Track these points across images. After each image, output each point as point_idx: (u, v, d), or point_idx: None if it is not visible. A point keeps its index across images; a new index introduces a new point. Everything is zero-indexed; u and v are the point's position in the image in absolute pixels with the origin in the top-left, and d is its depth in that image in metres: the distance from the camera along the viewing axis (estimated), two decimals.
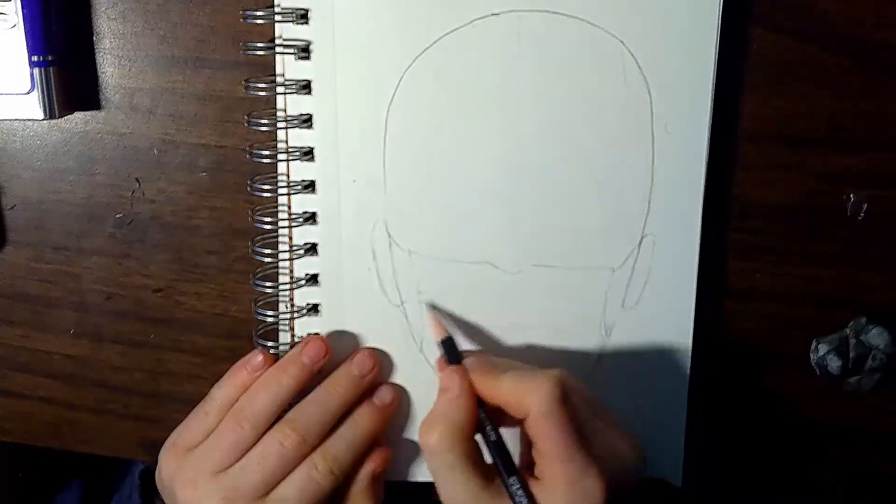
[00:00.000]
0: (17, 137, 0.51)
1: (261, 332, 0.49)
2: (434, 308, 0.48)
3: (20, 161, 0.51)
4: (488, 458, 0.44)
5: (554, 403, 0.41)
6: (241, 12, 0.46)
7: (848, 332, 0.49)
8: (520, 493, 0.41)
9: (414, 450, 0.50)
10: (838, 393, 0.50)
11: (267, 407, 0.46)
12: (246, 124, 0.48)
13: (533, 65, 0.46)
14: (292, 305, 0.49)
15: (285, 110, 0.47)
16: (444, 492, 0.43)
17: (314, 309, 0.49)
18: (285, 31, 0.46)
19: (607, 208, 0.47)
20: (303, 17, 0.45)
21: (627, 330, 0.48)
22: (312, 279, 0.49)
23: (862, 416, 0.51)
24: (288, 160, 0.47)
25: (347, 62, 0.46)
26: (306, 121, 0.47)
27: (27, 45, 0.47)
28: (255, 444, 0.46)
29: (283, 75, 0.46)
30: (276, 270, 0.49)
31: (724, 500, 0.53)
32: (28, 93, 0.47)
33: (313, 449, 0.46)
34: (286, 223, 0.48)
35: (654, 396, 0.49)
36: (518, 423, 0.43)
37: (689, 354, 0.49)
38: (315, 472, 0.45)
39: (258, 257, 0.48)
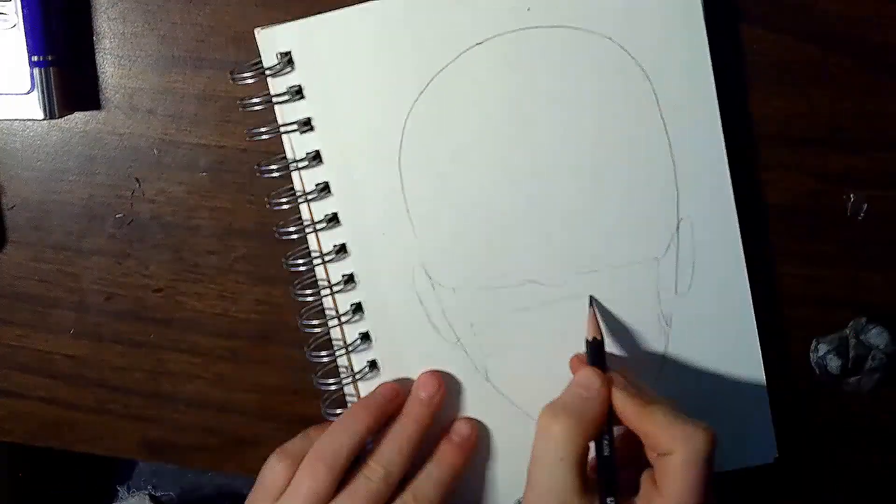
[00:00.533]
0: (17, 137, 0.51)
1: (327, 402, 0.50)
2: (595, 303, 0.48)
3: (20, 161, 0.51)
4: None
5: (702, 456, 0.41)
6: (238, 102, 0.47)
7: (848, 332, 0.49)
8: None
9: (490, 479, 0.50)
10: (838, 393, 0.50)
11: (344, 446, 0.46)
12: (267, 206, 0.48)
13: (528, 81, 0.46)
14: (352, 369, 0.49)
15: (303, 186, 0.47)
16: (539, 478, 0.43)
17: (373, 366, 0.49)
18: (284, 110, 0.46)
19: (637, 201, 0.47)
20: (298, 93, 0.46)
21: (687, 316, 0.48)
22: (365, 338, 0.49)
23: (862, 416, 0.51)
24: (316, 231, 0.48)
25: (350, 125, 0.46)
26: (324, 188, 0.47)
27: (27, 45, 0.47)
28: (334, 487, 0.45)
29: (294, 155, 0.47)
30: (328, 338, 0.49)
31: (723, 500, 0.53)
32: (28, 93, 0.47)
33: (396, 486, 0.46)
34: (328, 292, 0.48)
35: (730, 375, 0.49)
36: (638, 449, 0.44)
37: (755, 326, 0.48)
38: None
39: (308, 330, 0.49)
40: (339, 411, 0.49)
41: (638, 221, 0.47)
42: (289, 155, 0.47)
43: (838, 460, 0.52)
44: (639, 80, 0.46)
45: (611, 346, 0.48)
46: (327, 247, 0.48)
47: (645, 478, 0.44)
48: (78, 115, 0.50)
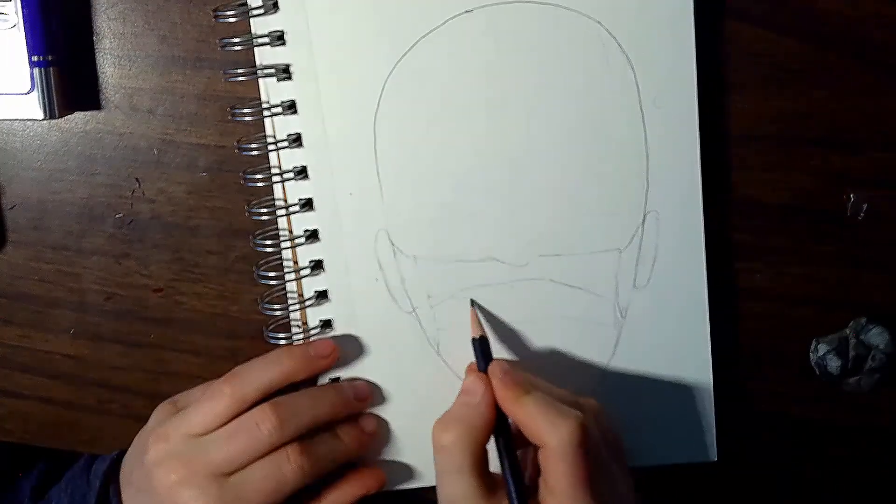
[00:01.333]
0: (17, 137, 0.51)
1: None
2: (475, 305, 0.48)
3: (20, 161, 0.51)
4: (493, 465, 0.44)
5: (571, 447, 0.40)
6: (218, 41, 0.46)
7: (848, 332, 0.49)
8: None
9: (428, 452, 0.50)
10: (838, 393, 0.50)
11: (257, 380, 0.46)
12: (236, 150, 0.48)
13: (513, 56, 0.46)
14: (304, 325, 0.49)
15: (274, 133, 0.47)
16: (444, 491, 0.43)
17: (327, 325, 0.49)
18: (264, 54, 0.46)
19: (606, 189, 0.47)
20: (279, 39, 0.46)
21: (643, 309, 0.48)
22: (322, 296, 0.49)
23: (862, 416, 0.51)
24: (283, 181, 0.47)
25: (329, 78, 0.46)
26: (296, 140, 0.47)
27: (27, 45, 0.47)
28: (232, 416, 0.45)
29: (269, 99, 0.46)
30: (283, 292, 0.49)
31: (723, 500, 0.53)
32: (28, 93, 0.47)
33: (286, 442, 0.45)
34: (288, 244, 0.48)
35: (678, 372, 0.49)
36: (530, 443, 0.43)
37: (708, 326, 0.48)
38: (287, 462, 0.45)
39: (264, 280, 0.48)
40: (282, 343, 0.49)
41: (605, 210, 0.47)
42: (263, 100, 0.47)
43: (838, 460, 0.52)
44: (623, 69, 0.46)
45: (563, 336, 0.49)
46: (293, 199, 0.48)
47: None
48: (78, 115, 0.50)
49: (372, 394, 0.49)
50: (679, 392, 0.49)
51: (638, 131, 0.46)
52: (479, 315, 0.48)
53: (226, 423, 0.45)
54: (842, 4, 0.46)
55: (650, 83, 0.46)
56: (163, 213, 0.51)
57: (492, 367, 0.45)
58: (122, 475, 0.49)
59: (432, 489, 0.48)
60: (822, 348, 0.49)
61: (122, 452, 0.50)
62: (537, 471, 0.43)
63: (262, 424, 0.44)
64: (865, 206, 0.49)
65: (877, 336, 0.48)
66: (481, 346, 0.46)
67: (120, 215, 0.51)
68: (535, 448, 0.42)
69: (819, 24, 0.47)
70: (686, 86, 0.46)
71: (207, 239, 0.51)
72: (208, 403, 0.46)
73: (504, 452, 0.43)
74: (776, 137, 0.48)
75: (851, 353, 0.49)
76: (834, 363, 0.49)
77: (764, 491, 0.53)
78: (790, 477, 0.52)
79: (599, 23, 0.45)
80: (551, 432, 0.41)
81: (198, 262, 0.52)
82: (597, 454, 0.42)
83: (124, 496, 0.48)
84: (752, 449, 0.52)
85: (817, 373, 0.50)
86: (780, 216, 0.49)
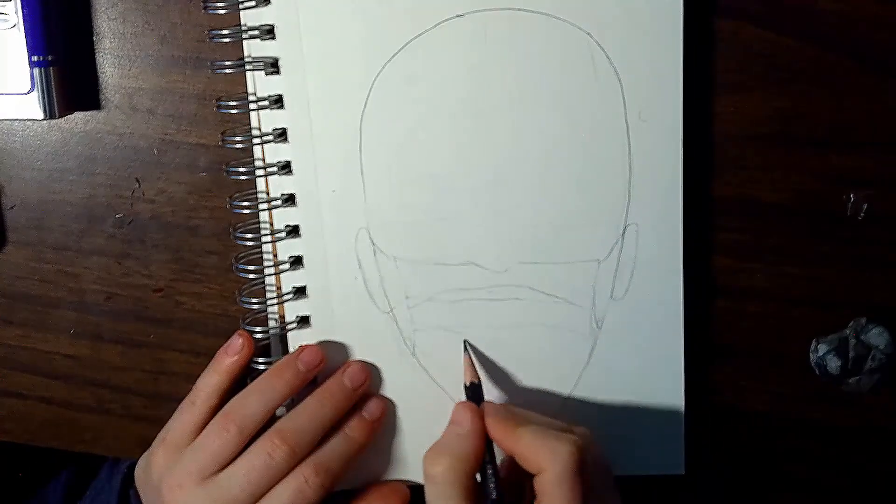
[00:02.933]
0: (17, 137, 0.51)
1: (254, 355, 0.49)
2: (469, 347, 0.48)
3: (20, 161, 0.51)
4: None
5: (569, 472, 0.41)
6: (207, 32, 0.46)
7: (848, 332, 0.49)
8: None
9: (401, 452, 0.51)
10: (838, 393, 0.50)
11: (257, 411, 0.46)
12: (221, 143, 0.48)
13: (502, 63, 0.46)
14: (282, 320, 0.49)
15: (259, 127, 0.47)
16: None
17: (304, 321, 0.49)
18: (253, 48, 0.46)
19: (588, 200, 0.47)
20: (269, 32, 0.46)
21: (619, 321, 0.48)
22: (300, 292, 0.49)
23: (862, 416, 0.51)
24: (266, 175, 0.47)
25: (317, 74, 0.46)
26: (281, 134, 0.47)
27: (27, 45, 0.47)
28: (241, 448, 0.46)
29: (255, 93, 0.46)
30: (262, 286, 0.49)
31: (723, 500, 0.53)
32: (28, 93, 0.47)
33: (302, 460, 0.46)
34: (269, 238, 0.48)
35: (650, 385, 0.49)
36: (525, 473, 0.43)
37: (682, 341, 0.48)
38: (305, 485, 0.45)
39: (243, 275, 0.48)
40: (258, 335, 0.49)
41: (586, 221, 0.47)
42: (250, 93, 0.47)
43: (838, 460, 0.52)
44: (610, 81, 0.46)
45: (538, 344, 0.49)
46: (275, 193, 0.48)
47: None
48: (78, 115, 0.50)
49: (367, 372, 0.48)
50: (650, 404, 0.49)
51: (622, 144, 0.46)
52: (473, 358, 0.48)
53: (235, 459, 0.46)
54: (842, 4, 0.46)
55: (636, 96, 0.46)
56: (163, 213, 0.51)
57: (486, 406, 0.45)
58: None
59: (419, 486, 0.48)
60: (822, 348, 0.49)
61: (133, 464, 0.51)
62: (532, 498, 0.43)
63: (275, 453, 0.45)
64: (865, 206, 0.48)
65: (877, 336, 0.48)
66: (473, 392, 0.47)
67: (120, 215, 0.51)
68: (527, 479, 0.43)
69: (819, 24, 0.47)
70: (672, 100, 0.46)
71: (207, 239, 0.51)
72: (216, 443, 0.46)
73: (492, 482, 0.43)
74: (776, 137, 0.48)
75: (851, 354, 0.49)
76: (834, 363, 0.49)
77: (763, 490, 0.53)
78: (789, 477, 0.52)
79: (589, 34, 0.45)
80: (552, 458, 0.41)
81: (198, 262, 0.52)
82: (593, 478, 0.42)
83: None
84: (751, 449, 0.52)
85: (817, 373, 0.50)
86: (780, 216, 0.49)
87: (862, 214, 0.49)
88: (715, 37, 0.47)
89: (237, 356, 0.48)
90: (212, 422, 0.47)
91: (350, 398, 0.48)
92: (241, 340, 0.48)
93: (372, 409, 0.49)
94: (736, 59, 0.47)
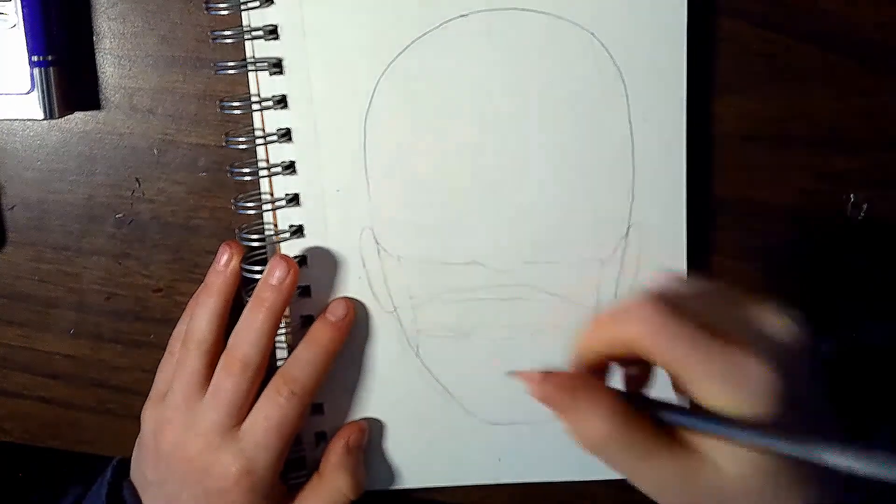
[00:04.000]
0: (17, 137, 0.51)
1: None
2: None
3: (20, 161, 0.51)
4: None
5: (652, 313, 0.33)
6: (209, 33, 0.46)
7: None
8: (676, 415, 0.34)
9: (404, 452, 0.50)
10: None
11: (255, 349, 0.46)
12: (224, 143, 0.48)
13: (506, 63, 0.46)
14: (287, 318, 0.49)
15: (263, 127, 0.47)
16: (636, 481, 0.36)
17: (308, 320, 0.49)
18: (256, 48, 0.46)
19: (592, 200, 0.47)
20: (272, 32, 0.46)
21: None
22: (304, 291, 0.49)
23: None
24: (270, 175, 0.47)
25: (322, 74, 0.46)
26: (285, 135, 0.47)
27: (27, 45, 0.47)
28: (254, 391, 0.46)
29: (258, 93, 0.46)
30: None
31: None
32: (28, 93, 0.47)
33: (307, 404, 0.46)
34: (273, 238, 0.48)
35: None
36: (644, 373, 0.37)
37: None
38: (278, 396, 0.45)
39: (248, 274, 0.48)
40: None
41: (590, 221, 0.47)
42: (253, 94, 0.47)
43: None
44: (614, 81, 0.46)
45: (541, 343, 0.49)
46: (279, 194, 0.48)
47: None
48: (78, 115, 0.50)
49: (348, 303, 0.48)
50: None
51: (626, 144, 0.46)
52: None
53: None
54: (842, 4, 0.46)
55: (640, 97, 0.46)
56: (163, 213, 0.51)
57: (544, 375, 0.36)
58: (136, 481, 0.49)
59: (423, 490, 0.49)
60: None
61: (123, 459, 0.51)
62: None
63: (282, 394, 0.46)
64: (865, 206, 0.49)
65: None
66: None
67: (120, 215, 0.51)
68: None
69: (819, 24, 0.47)
70: (676, 101, 0.46)
71: (207, 239, 0.51)
72: (231, 388, 0.46)
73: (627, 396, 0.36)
74: (776, 137, 0.48)
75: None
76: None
77: None
78: None
79: (593, 34, 0.45)
80: (631, 319, 0.34)
81: (198, 262, 0.52)
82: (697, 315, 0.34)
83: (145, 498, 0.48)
84: None
85: None
86: (780, 216, 0.49)
87: (862, 214, 0.49)
88: (715, 37, 0.47)
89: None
90: (221, 367, 0.46)
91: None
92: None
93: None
94: (736, 59, 0.47)
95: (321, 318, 0.48)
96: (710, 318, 0.33)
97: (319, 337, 0.47)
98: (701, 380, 0.33)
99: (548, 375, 0.35)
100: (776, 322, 0.34)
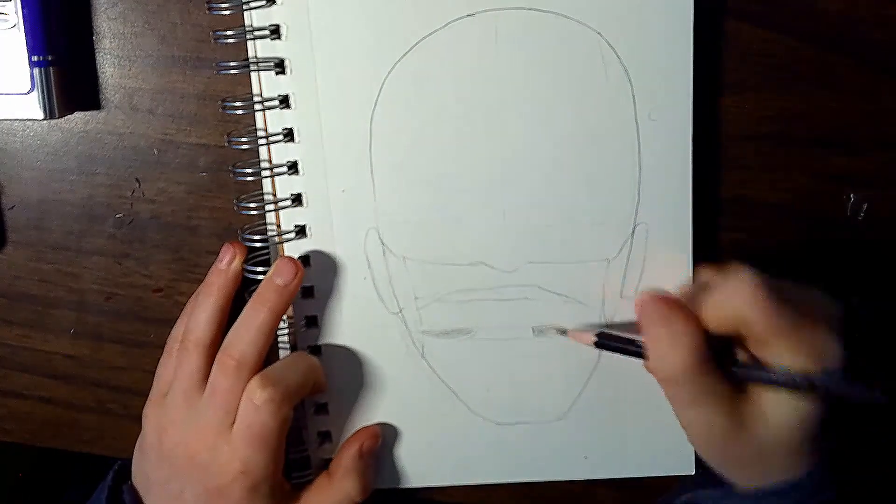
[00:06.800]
0: (17, 137, 0.51)
1: None
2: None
3: (20, 161, 0.51)
4: None
5: (757, 285, 0.40)
6: (211, 33, 0.46)
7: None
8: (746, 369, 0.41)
9: (410, 453, 0.50)
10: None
11: (252, 348, 0.46)
12: (227, 143, 0.48)
13: (512, 62, 0.46)
14: (290, 319, 0.49)
15: (265, 127, 0.47)
16: (690, 425, 0.43)
17: (312, 322, 0.49)
18: (259, 48, 0.46)
19: (598, 200, 0.47)
20: (275, 32, 0.46)
21: (628, 320, 0.48)
22: (308, 293, 0.49)
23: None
24: (273, 176, 0.47)
25: (327, 74, 0.46)
26: (288, 134, 0.47)
27: (27, 45, 0.47)
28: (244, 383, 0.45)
29: (261, 92, 0.46)
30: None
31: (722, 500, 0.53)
32: (28, 93, 0.47)
33: (253, 371, 0.45)
34: (276, 239, 0.48)
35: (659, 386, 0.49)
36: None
37: None
38: (254, 393, 0.45)
39: (251, 275, 0.48)
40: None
41: (595, 220, 0.47)
42: (256, 93, 0.46)
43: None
44: (620, 81, 0.46)
45: (548, 341, 0.49)
46: (282, 194, 0.48)
47: None
48: (78, 115, 0.50)
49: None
50: (660, 404, 0.49)
51: (632, 144, 0.46)
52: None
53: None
54: (842, 4, 0.46)
55: (646, 96, 0.46)
56: (163, 213, 0.51)
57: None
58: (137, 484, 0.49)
59: (423, 489, 0.49)
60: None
61: (124, 463, 0.51)
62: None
63: (227, 372, 0.45)
64: (865, 206, 0.49)
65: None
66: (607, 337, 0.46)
67: (120, 215, 0.51)
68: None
69: (819, 24, 0.47)
70: (682, 100, 0.46)
71: (207, 239, 0.51)
72: (185, 368, 0.47)
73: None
74: (776, 137, 0.48)
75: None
76: None
77: None
78: None
79: (599, 34, 0.45)
80: (734, 287, 0.41)
81: (198, 262, 0.52)
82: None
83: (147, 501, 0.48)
84: None
85: None
86: (780, 216, 0.49)
87: (862, 214, 0.49)
88: (715, 37, 0.47)
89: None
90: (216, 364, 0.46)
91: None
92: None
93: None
94: (736, 59, 0.47)
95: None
96: (787, 297, 0.41)
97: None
98: (782, 344, 0.40)
99: (651, 292, 0.44)
100: (828, 303, 0.42)
